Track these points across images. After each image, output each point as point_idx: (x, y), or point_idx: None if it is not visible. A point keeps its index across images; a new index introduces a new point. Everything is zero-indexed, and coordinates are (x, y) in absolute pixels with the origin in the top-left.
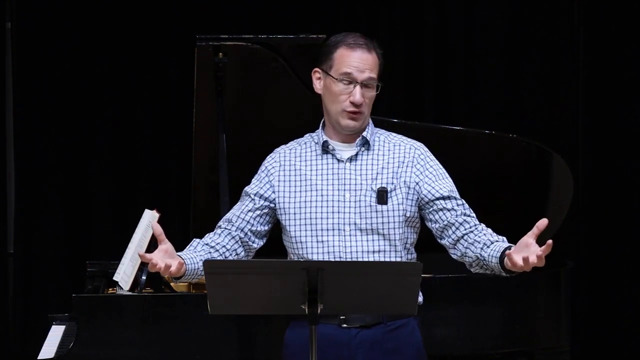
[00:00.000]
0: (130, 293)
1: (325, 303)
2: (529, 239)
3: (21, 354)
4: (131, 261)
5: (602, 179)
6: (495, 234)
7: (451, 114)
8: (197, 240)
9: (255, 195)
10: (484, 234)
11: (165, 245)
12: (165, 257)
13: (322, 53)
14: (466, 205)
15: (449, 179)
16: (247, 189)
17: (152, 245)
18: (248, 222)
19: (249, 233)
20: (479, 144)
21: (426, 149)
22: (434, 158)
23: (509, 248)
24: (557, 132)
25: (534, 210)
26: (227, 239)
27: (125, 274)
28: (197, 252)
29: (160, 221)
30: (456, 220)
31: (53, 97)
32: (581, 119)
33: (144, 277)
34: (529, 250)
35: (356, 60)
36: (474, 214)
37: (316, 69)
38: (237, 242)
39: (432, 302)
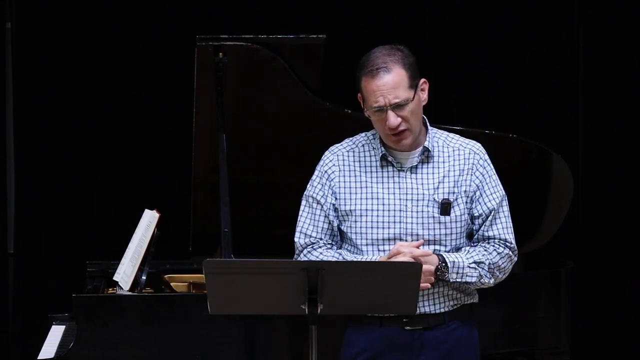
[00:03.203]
0: (130, 293)
1: (325, 303)
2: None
3: (21, 354)
4: (131, 261)
5: (602, 179)
6: (477, 254)
7: (451, 114)
8: (329, 252)
9: (324, 203)
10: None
11: None
12: None
13: (355, 79)
14: (503, 224)
15: (499, 186)
16: (312, 194)
17: (152, 245)
18: (332, 229)
19: (337, 235)
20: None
21: (484, 151)
22: (490, 162)
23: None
24: (557, 132)
25: (534, 210)
26: (334, 250)
27: (125, 274)
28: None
29: (160, 221)
30: (476, 237)
31: (53, 97)
32: (581, 119)
33: (144, 277)
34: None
35: (379, 89)
36: (500, 234)
37: (359, 94)
38: (338, 248)
39: None
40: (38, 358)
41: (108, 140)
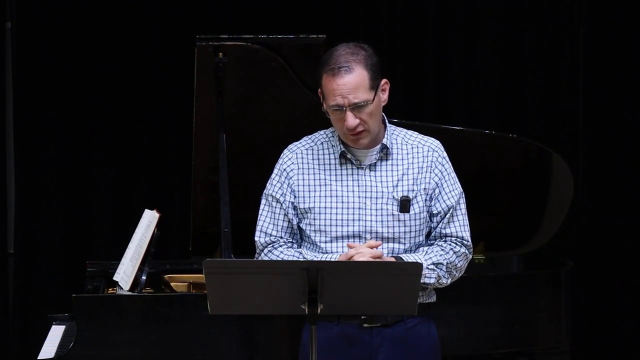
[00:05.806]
0: (130, 293)
1: (325, 303)
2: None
3: (21, 354)
4: (131, 261)
5: (602, 178)
6: (435, 254)
7: (451, 114)
8: (290, 251)
9: (284, 202)
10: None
11: None
12: None
13: (316, 75)
14: (460, 222)
15: (457, 183)
16: (271, 193)
17: (152, 245)
18: (292, 227)
19: (297, 234)
20: (479, 144)
21: (442, 148)
22: (448, 160)
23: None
24: (557, 132)
25: (534, 210)
26: (294, 249)
27: (125, 274)
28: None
29: (160, 221)
30: (433, 234)
31: (53, 97)
32: (581, 118)
33: (144, 277)
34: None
35: (339, 88)
36: (458, 231)
37: (319, 90)
38: (298, 246)
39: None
40: (38, 358)
41: (108, 140)
